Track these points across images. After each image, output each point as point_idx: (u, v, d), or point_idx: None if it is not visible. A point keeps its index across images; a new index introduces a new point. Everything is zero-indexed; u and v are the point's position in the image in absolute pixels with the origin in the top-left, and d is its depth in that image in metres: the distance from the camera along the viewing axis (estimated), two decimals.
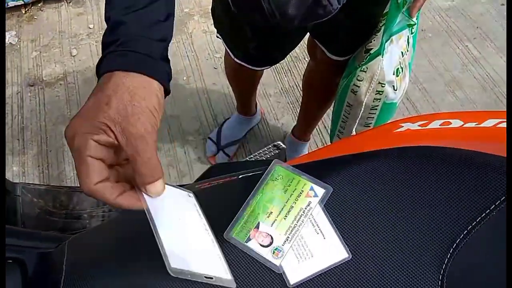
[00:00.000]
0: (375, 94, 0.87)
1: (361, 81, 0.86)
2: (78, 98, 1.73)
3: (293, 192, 0.47)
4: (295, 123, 1.56)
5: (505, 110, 0.53)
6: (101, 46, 0.42)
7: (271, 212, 0.46)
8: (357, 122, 0.94)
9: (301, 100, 1.44)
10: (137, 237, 0.50)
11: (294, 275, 0.42)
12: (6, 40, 1.94)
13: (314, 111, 1.39)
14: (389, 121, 0.95)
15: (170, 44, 0.45)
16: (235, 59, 1.07)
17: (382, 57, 0.82)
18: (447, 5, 2.05)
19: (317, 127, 1.60)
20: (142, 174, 0.36)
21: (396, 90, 0.86)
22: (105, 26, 0.43)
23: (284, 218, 0.45)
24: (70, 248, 0.54)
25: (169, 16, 0.45)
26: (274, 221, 0.45)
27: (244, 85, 1.38)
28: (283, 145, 0.64)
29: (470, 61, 1.84)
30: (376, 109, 0.90)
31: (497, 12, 2.02)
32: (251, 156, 0.72)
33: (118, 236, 0.55)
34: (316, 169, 0.49)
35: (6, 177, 1.00)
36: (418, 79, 1.78)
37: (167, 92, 0.42)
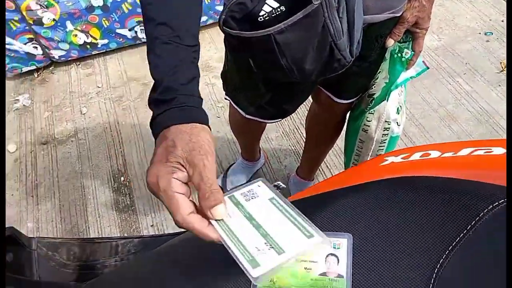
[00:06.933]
0: (383, 130, 1.03)
1: (370, 121, 1.03)
2: (89, 153, 1.81)
3: None
4: (298, 164, 1.62)
5: (478, 140, 0.58)
6: (150, 103, 0.51)
7: None
8: (369, 154, 1.09)
9: (304, 142, 1.50)
10: (151, 276, 0.55)
11: None
12: (20, 103, 2.05)
13: (319, 151, 1.45)
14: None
15: None
16: (246, 115, 1.10)
17: (387, 101, 0.98)
18: (435, 44, 2.16)
19: (320, 168, 1.65)
20: (207, 198, 0.43)
21: (399, 125, 1.03)
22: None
23: None
24: None
25: (197, 73, 0.55)
26: None
27: (250, 136, 1.44)
28: (283, 185, 0.69)
29: (463, 95, 1.92)
30: (385, 142, 1.06)
31: (484, 48, 2.12)
32: None
33: (134, 276, 0.60)
34: (308, 205, 0.54)
35: (22, 233, 1.04)
36: (414, 115, 1.85)
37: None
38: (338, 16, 0.71)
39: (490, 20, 2.26)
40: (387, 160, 0.61)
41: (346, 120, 1.20)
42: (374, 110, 1.02)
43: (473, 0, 2.39)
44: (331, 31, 0.71)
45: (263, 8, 0.69)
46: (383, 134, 1.04)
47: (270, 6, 0.69)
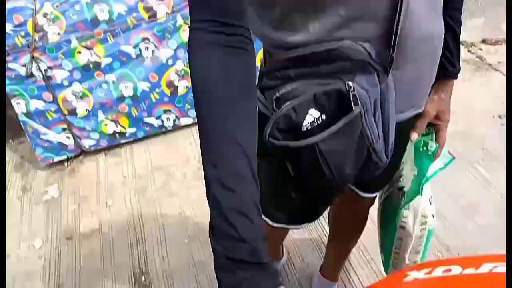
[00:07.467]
0: (421, 225, 1.03)
1: (406, 217, 1.03)
2: (111, 250, 1.82)
3: None
4: (321, 261, 1.59)
5: (499, 254, 0.59)
6: (231, 260, 0.52)
7: None
8: (409, 251, 1.09)
9: (328, 238, 1.48)
10: None
11: None
12: (49, 194, 2.11)
13: (345, 245, 1.43)
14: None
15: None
16: (274, 224, 1.07)
17: (421, 195, 0.99)
18: (450, 129, 2.17)
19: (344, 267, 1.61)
20: None
21: (434, 217, 1.04)
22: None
23: None
24: None
25: None
26: None
27: (275, 242, 1.43)
28: None
29: (482, 183, 1.90)
30: (423, 237, 1.06)
31: (499, 131, 2.14)
32: None
33: None
34: None
35: None
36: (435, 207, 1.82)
37: None
38: (374, 121, 0.73)
39: (503, 103, 2.29)
40: (409, 275, 0.61)
41: (378, 222, 1.20)
42: (409, 206, 1.03)
43: (486, 83, 2.45)
44: (369, 136, 0.73)
45: (306, 118, 0.71)
46: (421, 229, 1.04)
47: (312, 116, 0.71)
